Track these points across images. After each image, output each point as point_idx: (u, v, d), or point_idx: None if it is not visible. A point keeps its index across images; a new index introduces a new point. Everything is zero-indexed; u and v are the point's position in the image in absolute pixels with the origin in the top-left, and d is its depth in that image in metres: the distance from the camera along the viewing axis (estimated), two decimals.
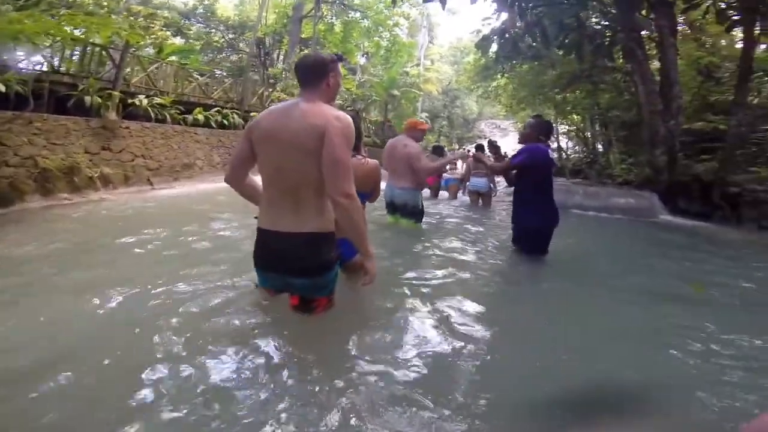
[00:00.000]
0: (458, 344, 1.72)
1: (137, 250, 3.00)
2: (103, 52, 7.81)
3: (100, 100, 6.63)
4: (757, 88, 8.38)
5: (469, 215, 5.78)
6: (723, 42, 10.08)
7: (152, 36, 6.90)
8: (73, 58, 7.82)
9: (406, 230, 3.82)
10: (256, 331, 1.68)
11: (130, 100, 7.49)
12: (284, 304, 1.74)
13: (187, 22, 15.59)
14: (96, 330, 1.74)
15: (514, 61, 11.28)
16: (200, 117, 8.52)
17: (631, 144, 12.02)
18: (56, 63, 7.30)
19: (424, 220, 4.10)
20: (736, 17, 6.97)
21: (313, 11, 13.84)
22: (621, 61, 10.34)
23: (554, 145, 17.04)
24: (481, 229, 4.67)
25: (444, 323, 1.92)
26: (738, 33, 7.97)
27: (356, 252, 1.99)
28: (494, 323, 1.98)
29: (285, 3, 15.18)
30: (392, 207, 3.90)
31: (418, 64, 25.04)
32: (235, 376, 1.40)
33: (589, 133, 17.52)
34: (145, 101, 7.53)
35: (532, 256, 3.14)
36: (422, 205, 3.96)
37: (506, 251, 3.50)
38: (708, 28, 9.57)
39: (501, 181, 9.42)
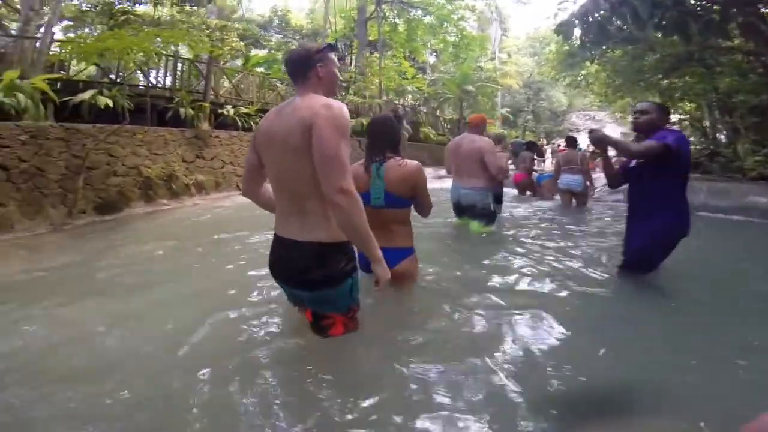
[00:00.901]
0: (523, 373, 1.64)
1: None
2: (192, 66, 9.00)
3: (192, 111, 7.67)
4: None
5: (557, 218, 5.35)
6: None
7: (228, 47, 7.76)
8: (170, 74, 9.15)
9: (475, 235, 3.72)
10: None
11: (219, 111, 8.53)
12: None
13: (265, 33, 17.05)
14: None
15: (604, 47, 10.29)
16: None
17: (766, 132, 10.26)
18: (155, 80, 8.62)
19: (497, 222, 4.00)
20: None
21: (375, 13, 14.17)
22: (737, 41, 8.87)
23: None
24: (570, 240, 4.10)
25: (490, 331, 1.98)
26: None
27: (399, 259, 2.06)
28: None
29: (349, 6, 15.71)
30: (459, 208, 3.81)
31: (493, 58, 24.13)
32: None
33: (707, 122, 15.28)
34: (232, 111, 8.52)
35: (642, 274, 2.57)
36: (493, 206, 3.85)
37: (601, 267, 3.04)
38: None
39: (599, 178, 8.74)
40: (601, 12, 7.64)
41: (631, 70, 12.44)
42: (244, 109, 8.79)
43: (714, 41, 8.31)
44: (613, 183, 2.73)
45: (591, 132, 2.42)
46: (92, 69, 8.32)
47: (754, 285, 2.77)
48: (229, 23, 8.68)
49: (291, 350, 1.74)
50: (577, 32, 8.78)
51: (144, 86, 8.17)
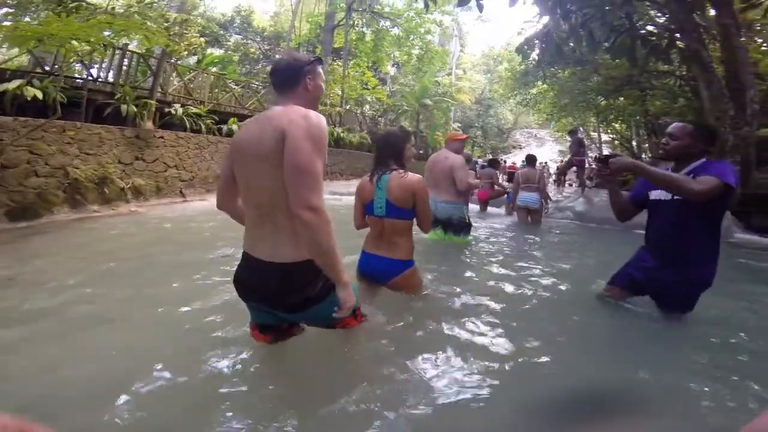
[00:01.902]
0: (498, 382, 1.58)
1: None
2: (140, 61, 7.97)
3: (135, 109, 6.69)
4: None
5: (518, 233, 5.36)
6: None
7: (186, 43, 6.92)
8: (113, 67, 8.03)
9: (454, 247, 3.73)
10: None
11: (166, 109, 7.57)
12: None
13: (225, 32, 16.05)
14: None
15: (557, 67, 10.68)
16: (234, 127, 8.52)
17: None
18: (96, 72, 7.51)
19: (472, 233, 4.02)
20: None
21: (344, 21, 13.83)
22: (676, 64, 9.57)
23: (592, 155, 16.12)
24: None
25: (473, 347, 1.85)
26: None
27: (400, 270, 2.06)
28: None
29: (317, 12, 15.29)
30: (435, 221, 3.75)
31: (449, 74, 24.68)
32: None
33: (635, 142, 16.53)
34: (180, 110, 7.58)
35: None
36: (468, 218, 3.89)
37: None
38: None
39: (555, 196, 8.91)
40: (562, 33, 7.85)
41: (576, 91, 13.09)
42: (193, 109, 7.88)
43: (654, 65, 8.83)
44: (622, 215, 2.16)
45: (609, 159, 1.88)
46: (24, 59, 7.04)
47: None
48: (191, 18, 7.81)
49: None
50: (535, 52, 9.02)
51: (82, 79, 7.04)
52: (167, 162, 6.92)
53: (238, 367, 1.54)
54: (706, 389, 1.54)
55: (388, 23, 15.38)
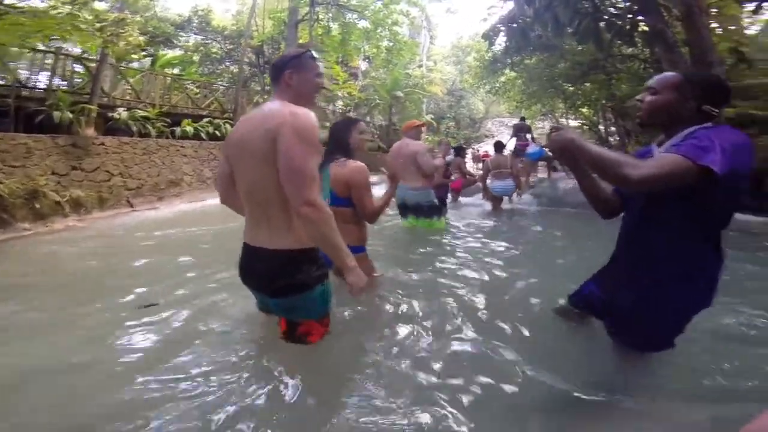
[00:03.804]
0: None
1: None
2: (80, 64, 7.11)
3: (71, 115, 5.89)
4: None
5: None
6: (744, 24, 9.05)
7: (123, 42, 6.12)
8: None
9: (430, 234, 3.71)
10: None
11: (110, 114, 6.79)
12: None
13: (180, 32, 15.00)
14: None
15: (524, 54, 10.28)
16: (188, 129, 7.75)
17: (652, 135, 10.97)
18: (27, 78, 6.63)
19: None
20: None
21: (308, 15, 12.99)
22: (640, 47, 9.28)
23: None
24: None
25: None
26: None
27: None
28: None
29: (280, 8, 14.35)
30: (405, 208, 3.87)
31: (420, 66, 24.06)
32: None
33: (602, 127, 16.41)
34: (125, 114, 6.79)
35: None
36: (437, 201, 3.90)
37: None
38: (726, 11, 8.54)
39: (535, 180, 8.54)
40: (527, 18, 7.41)
41: (544, 78, 12.73)
42: (141, 113, 7.07)
43: (618, 49, 8.51)
44: (603, 208, 1.50)
45: (554, 131, 1.32)
46: None
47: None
48: (129, 17, 7.01)
49: None
50: (502, 38, 8.57)
51: (8, 86, 6.16)
52: (110, 170, 6.15)
53: None
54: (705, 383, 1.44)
55: (355, 16, 14.57)
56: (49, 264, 3.41)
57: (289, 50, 1.50)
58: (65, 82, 7.04)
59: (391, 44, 15.18)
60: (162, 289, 2.38)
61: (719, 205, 1.21)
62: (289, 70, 1.37)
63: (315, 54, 1.45)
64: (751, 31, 8.81)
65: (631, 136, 12.51)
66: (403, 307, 2.07)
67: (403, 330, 1.84)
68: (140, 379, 1.45)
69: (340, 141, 2.06)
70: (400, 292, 2.26)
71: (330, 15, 14.71)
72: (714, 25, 8.69)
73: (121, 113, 6.70)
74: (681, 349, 1.40)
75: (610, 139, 15.76)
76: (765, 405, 0.57)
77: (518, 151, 9.82)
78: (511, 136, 10.50)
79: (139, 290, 2.38)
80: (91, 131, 6.11)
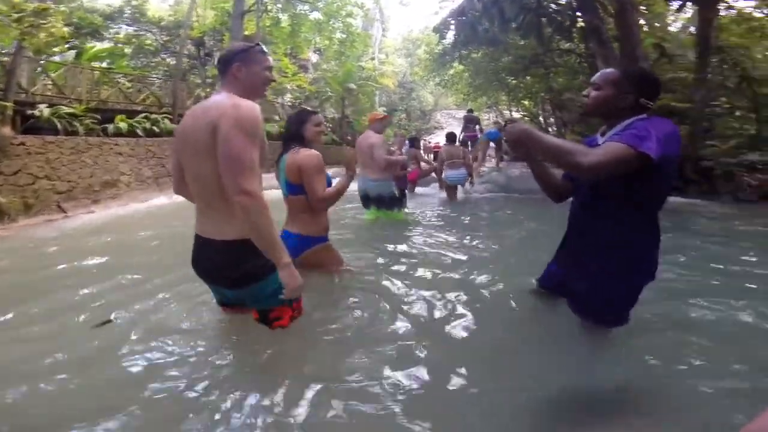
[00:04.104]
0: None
1: None
2: None
3: None
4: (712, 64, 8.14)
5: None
6: (670, 21, 9.96)
7: (45, 33, 5.38)
8: None
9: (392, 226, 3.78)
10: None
11: (29, 111, 6.00)
12: None
13: (112, 24, 13.60)
14: None
15: (471, 47, 10.55)
16: (123, 125, 7.05)
17: (588, 125, 11.81)
18: None
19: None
20: None
21: (256, 6, 12.31)
22: (576, 42, 9.89)
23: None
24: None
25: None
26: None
27: (307, 246, 2.04)
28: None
29: None
30: (367, 199, 3.90)
31: (373, 58, 23.90)
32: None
33: (542, 118, 17.37)
34: (47, 111, 6.03)
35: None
36: (398, 193, 3.96)
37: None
38: (654, 8, 9.35)
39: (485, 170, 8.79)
40: (475, 12, 7.59)
41: (489, 71, 13.18)
42: (66, 109, 6.31)
43: (557, 44, 9.00)
44: (555, 193, 1.60)
45: (508, 125, 1.37)
46: None
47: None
48: (53, 6, 6.16)
49: None
50: (451, 33, 8.73)
51: None
52: (34, 172, 5.45)
53: None
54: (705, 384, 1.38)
55: (306, 7, 14.02)
56: None
57: (238, 43, 1.48)
58: None
59: (344, 36, 14.85)
60: (112, 302, 2.14)
61: (656, 188, 1.35)
62: (237, 63, 1.36)
63: (264, 48, 1.45)
64: (673, 28, 9.66)
65: (568, 126, 13.40)
66: (373, 298, 2.06)
67: (371, 316, 1.88)
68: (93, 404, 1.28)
69: (295, 133, 2.05)
70: (368, 278, 2.29)
71: (279, 6, 14.04)
72: (642, 21, 9.49)
73: (43, 110, 5.94)
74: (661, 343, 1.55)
75: (549, 129, 16.75)
76: (765, 405, 0.58)
77: (467, 142, 10.16)
78: (462, 128, 10.82)
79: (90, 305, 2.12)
80: (7, 130, 5.37)
